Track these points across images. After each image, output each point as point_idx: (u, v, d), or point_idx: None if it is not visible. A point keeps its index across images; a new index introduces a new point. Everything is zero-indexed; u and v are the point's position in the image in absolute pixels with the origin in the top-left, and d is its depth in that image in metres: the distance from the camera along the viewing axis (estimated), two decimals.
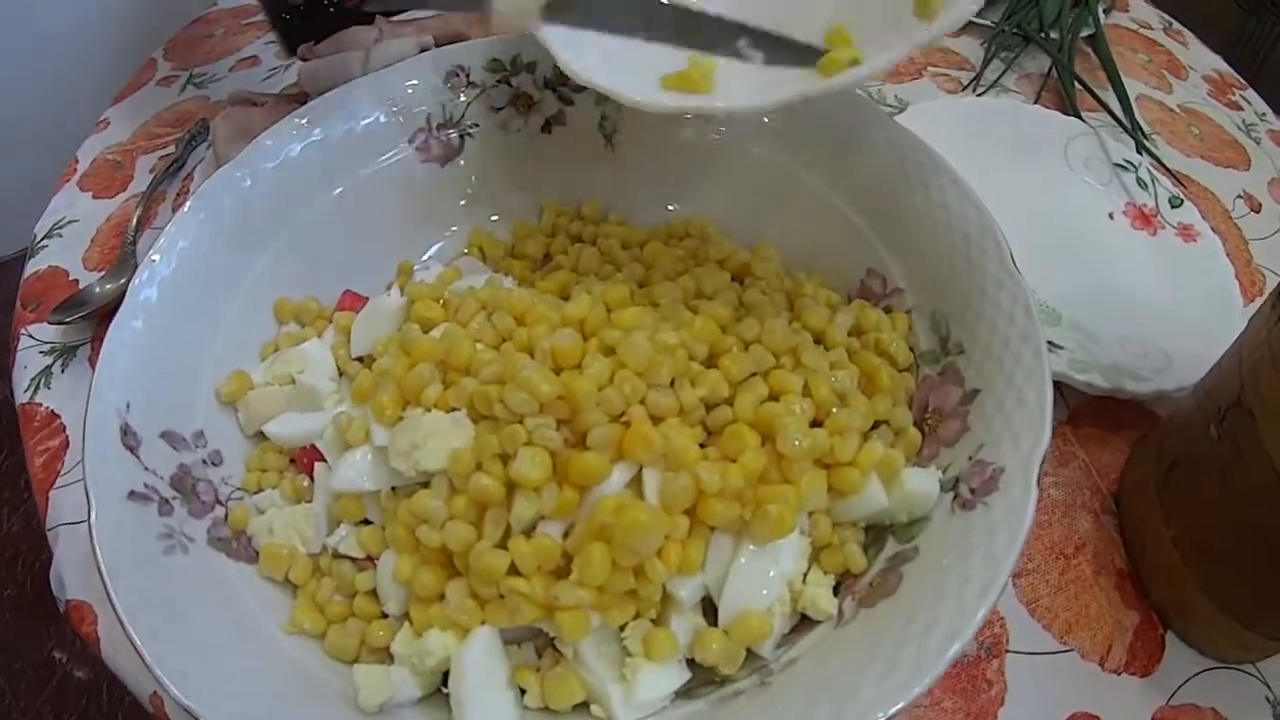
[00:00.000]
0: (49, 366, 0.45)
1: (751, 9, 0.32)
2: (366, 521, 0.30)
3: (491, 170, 0.43)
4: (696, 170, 0.42)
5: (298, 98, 0.51)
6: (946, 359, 0.33)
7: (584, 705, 0.27)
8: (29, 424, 0.43)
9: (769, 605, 0.27)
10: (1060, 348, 0.42)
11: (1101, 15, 0.64)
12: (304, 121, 0.39)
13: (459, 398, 0.28)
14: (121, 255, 0.49)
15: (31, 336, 0.47)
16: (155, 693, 0.34)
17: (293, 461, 0.33)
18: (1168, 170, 0.55)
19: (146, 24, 0.69)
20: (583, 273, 0.37)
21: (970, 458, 0.29)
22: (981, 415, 0.30)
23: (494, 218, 0.42)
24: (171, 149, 0.55)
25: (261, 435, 0.34)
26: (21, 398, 0.44)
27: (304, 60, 0.49)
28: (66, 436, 0.43)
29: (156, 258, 0.34)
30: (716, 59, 0.32)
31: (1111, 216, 0.51)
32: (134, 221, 0.50)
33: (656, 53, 0.33)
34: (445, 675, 0.27)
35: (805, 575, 0.28)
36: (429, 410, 0.29)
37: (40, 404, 0.44)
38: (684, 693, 0.27)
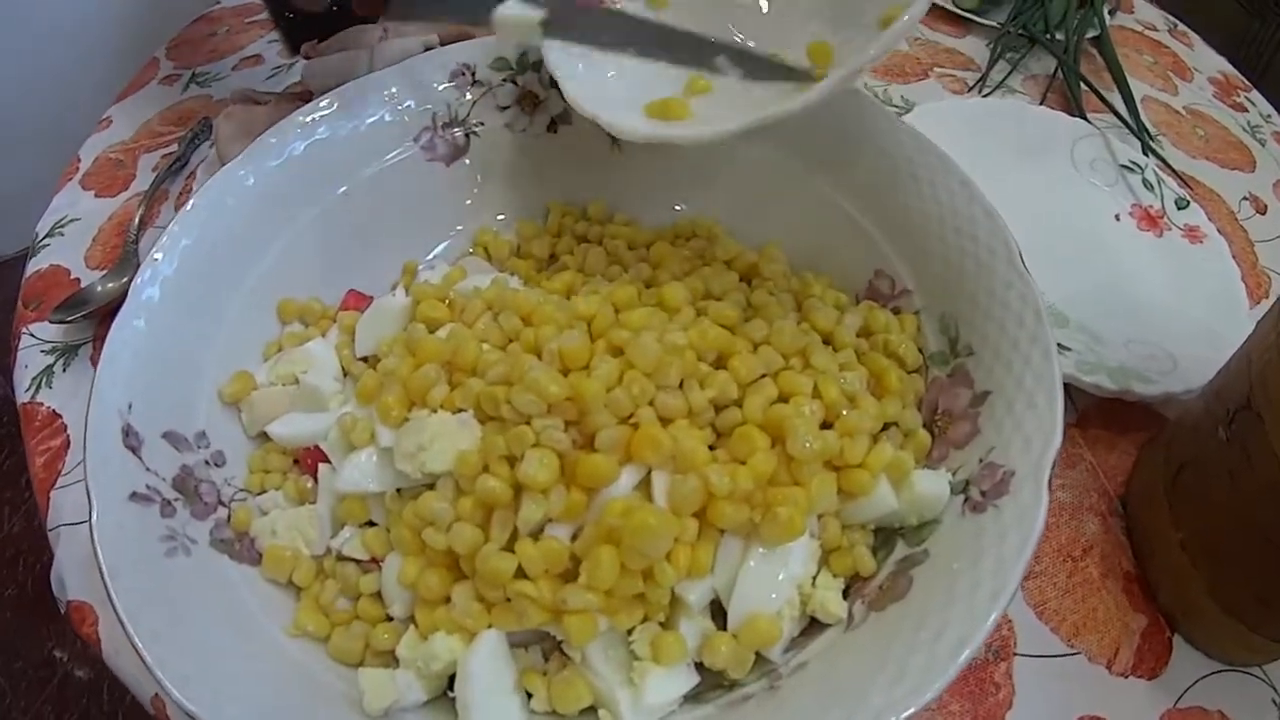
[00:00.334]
0: (50, 366, 0.45)
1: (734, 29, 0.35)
2: (371, 523, 0.30)
3: (497, 169, 0.42)
4: (702, 171, 0.41)
5: (301, 96, 0.51)
6: (956, 361, 0.33)
7: (591, 709, 0.27)
8: (30, 424, 0.43)
9: (778, 609, 0.27)
10: (1067, 350, 0.42)
11: (1107, 17, 0.64)
12: (308, 120, 0.39)
13: (465, 399, 0.28)
14: (124, 254, 0.49)
15: (33, 335, 0.46)
16: (157, 695, 0.33)
17: (296, 462, 0.33)
18: (1174, 172, 0.54)
19: (148, 22, 0.68)
20: (589, 273, 0.37)
21: (980, 460, 0.29)
22: (991, 417, 0.30)
23: (500, 217, 0.42)
24: (174, 147, 0.54)
25: (264, 436, 0.34)
26: (23, 397, 0.44)
27: (308, 59, 0.49)
28: (68, 436, 0.42)
29: (159, 256, 0.34)
30: (711, 82, 0.34)
31: (1118, 218, 0.51)
32: (136, 220, 0.50)
33: (648, 80, 0.35)
34: (451, 679, 0.27)
35: (814, 578, 0.28)
36: (435, 411, 0.28)
37: (41, 404, 0.44)
38: (692, 697, 0.27)
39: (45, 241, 0.51)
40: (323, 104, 0.39)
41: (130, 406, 0.30)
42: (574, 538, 0.27)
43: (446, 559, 0.27)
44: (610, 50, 0.35)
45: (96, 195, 0.53)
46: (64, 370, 0.45)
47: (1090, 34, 0.63)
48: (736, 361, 0.29)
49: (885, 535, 0.30)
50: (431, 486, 0.28)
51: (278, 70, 0.59)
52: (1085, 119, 0.56)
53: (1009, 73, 0.61)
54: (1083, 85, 0.59)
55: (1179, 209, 0.50)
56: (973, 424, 0.31)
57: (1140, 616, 0.36)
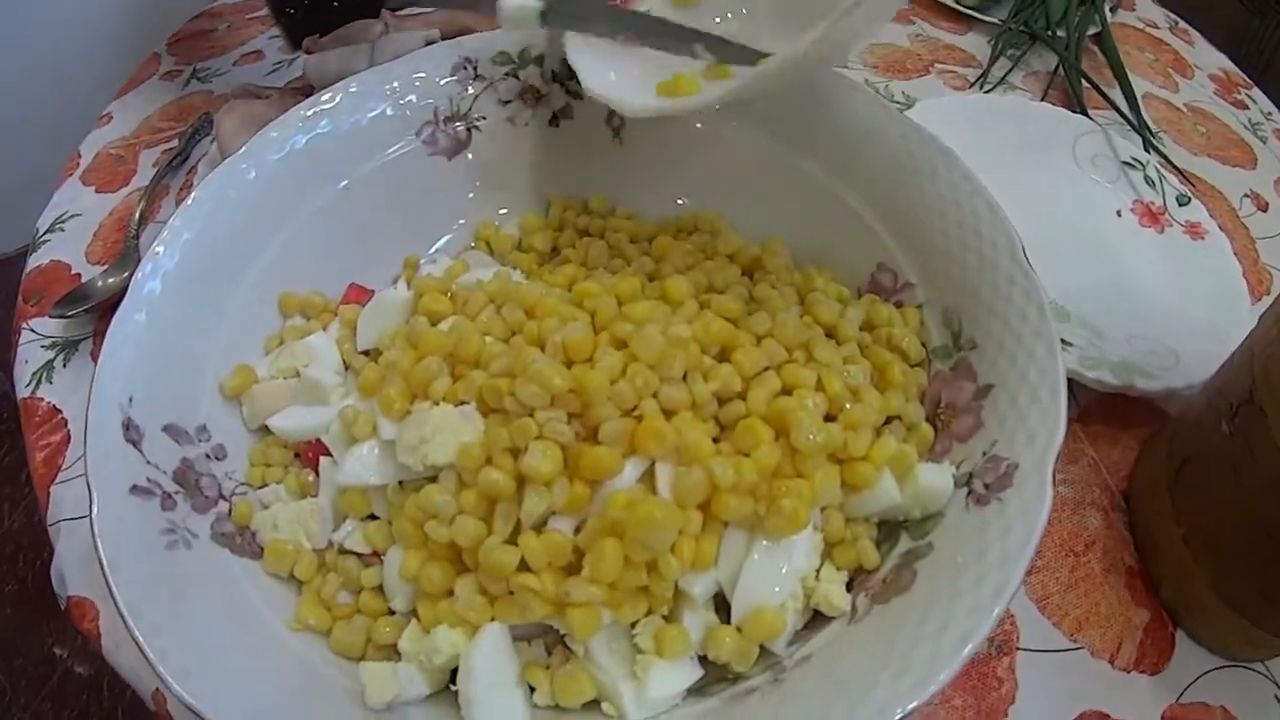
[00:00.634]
0: (50, 361, 0.45)
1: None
2: (373, 517, 0.30)
3: (499, 163, 0.42)
4: (704, 164, 0.41)
5: (303, 91, 0.51)
6: (959, 354, 0.33)
7: (594, 703, 0.27)
8: (30, 419, 0.43)
9: (782, 601, 0.27)
10: (1070, 345, 0.42)
11: (1108, 14, 0.64)
12: (309, 114, 0.38)
13: (468, 391, 0.28)
14: (125, 249, 0.48)
15: (33, 331, 0.46)
16: (158, 690, 0.33)
17: (297, 456, 0.33)
18: (1175, 168, 0.54)
19: (147, 18, 0.68)
20: (591, 266, 0.37)
21: (984, 453, 0.29)
22: (995, 411, 0.30)
23: (503, 211, 0.42)
24: (175, 143, 0.54)
25: (265, 429, 0.33)
26: (23, 393, 0.44)
27: (309, 53, 0.49)
28: (68, 431, 0.42)
29: (160, 250, 0.34)
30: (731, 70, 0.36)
31: (1119, 214, 0.51)
32: (137, 215, 0.50)
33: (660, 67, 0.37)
34: (453, 672, 0.27)
35: (818, 571, 0.28)
36: (437, 404, 0.28)
37: (42, 399, 0.44)
38: (696, 690, 0.27)
39: (46, 237, 0.51)
40: (324, 98, 0.39)
41: (131, 400, 0.30)
42: (577, 530, 0.27)
43: (449, 552, 0.27)
44: (601, 36, 0.38)
45: (97, 191, 0.53)
46: (64, 365, 0.45)
47: (1091, 31, 0.63)
48: (740, 354, 0.29)
49: (889, 528, 0.30)
50: (433, 479, 0.28)
51: (279, 65, 0.59)
52: (1087, 115, 0.56)
53: (1010, 69, 0.61)
54: (1084, 82, 0.59)
55: (1180, 205, 0.50)
56: (976, 417, 0.31)
57: (1143, 611, 0.36)
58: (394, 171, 0.40)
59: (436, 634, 0.26)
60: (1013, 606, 0.36)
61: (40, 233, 0.51)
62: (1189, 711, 0.33)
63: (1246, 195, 0.55)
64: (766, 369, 0.29)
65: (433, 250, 0.41)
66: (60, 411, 0.43)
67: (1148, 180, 0.52)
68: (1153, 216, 0.50)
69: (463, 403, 0.28)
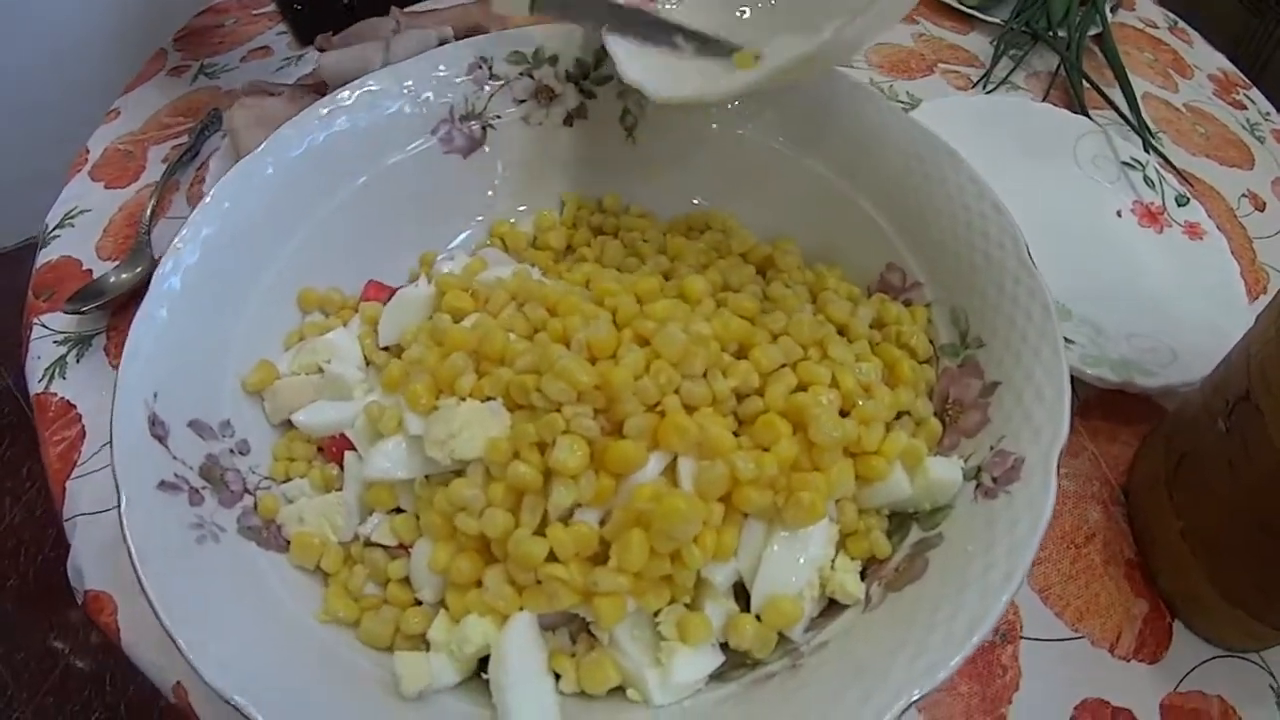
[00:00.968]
0: (63, 356, 0.45)
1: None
2: (398, 510, 0.31)
3: (514, 162, 0.43)
4: (716, 164, 0.42)
5: (314, 88, 0.51)
6: (966, 352, 0.34)
7: (619, 689, 0.27)
8: (43, 414, 0.43)
9: (799, 590, 0.27)
10: (1071, 343, 0.43)
11: (1108, 14, 0.65)
12: (326, 112, 0.39)
13: (494, 387, 0.29)
14: (136, 244, 0.49)
15: (45, 326, 0.47)
16: (179, 683, 0.34)
17: (320, 450, 0.33)
18: (1174, 169, 0.55)
19: (151, 12, 0.68)
20: (607, 265, 0.38)
21: (991, 448, 0.30)
22: (1001, 407, 0.31)
23: (521, 209, 0.43)
24: (184, 139, 0.55)
25: (288, 424, 0.34)
26: (35, 388, 0.44)
27: (322, 51, 0.49)
28: (83, 427, 0.42)
29: (181, 246, 0.34)
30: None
31: (1119, 214, 0.52)
32: (148, 211, 0.50)
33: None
34: (481, 661, 0.28)
35: (833, 561, 0.29)
36: (463, 399, 0.29)
37: (55, 394, 0.44)
38: (717, 676, 0.28)
39: (56, 232, 0.51)
40: (341, 96, 0.39)
41: (156, 396, 0.31)
42: (602, 522, 0.27)
43: (477, 544, 0.27)
44: (583, 22, 0.40)
45: (106, 186, 0.53)
46: (77, 361, 0.45)
47: (1092, 31, 0.64)
48: (758, 352, 0.30)
49: (900, 519, 0.31)
50: (459, 473, 0.29)
51: (287, 62, 0.59)
52: (1087, 116, 0.57)
53: (1012, 69, 0.62)
54: (1085, 82, 0.60)
55: (1179, 206, 0.51)
56: (983, 413, 0.31)
57: (1142, 602, 0.37)
58: (410, 169, 0.41)
59: (467, 623, 0.26)
60: (1016, 597, 0.36)
61: (50, 228, 0.51)
62: (1186, 700, 0.34)
63: (1244, 195, 0.57)
64: (783, 366, 0.30)
65: (451, 247, 0.42)
66: (74, 406, 0.43)
67: (1147, 181, 0.53)
68: (1152, 217, 0.51)
69: (489, 398, 0.29)
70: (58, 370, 0.45)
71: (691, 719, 0.27)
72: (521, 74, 0.42)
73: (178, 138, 0.55)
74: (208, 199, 0.35)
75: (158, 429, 0.30)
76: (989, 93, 0.60)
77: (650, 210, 0.43)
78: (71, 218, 0.52)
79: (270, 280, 0.37)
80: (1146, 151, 0.55)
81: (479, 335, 0.30)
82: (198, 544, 0.28)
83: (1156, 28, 0.71)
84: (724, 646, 0.28)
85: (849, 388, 0.30)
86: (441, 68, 0.41)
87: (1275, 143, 0.62)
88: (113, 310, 0.46)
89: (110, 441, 0.28)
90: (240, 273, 0.36)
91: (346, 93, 0.39)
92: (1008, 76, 0.62)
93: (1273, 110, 0.65)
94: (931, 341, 0.35)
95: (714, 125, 0.41)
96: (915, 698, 0.24)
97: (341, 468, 0.32)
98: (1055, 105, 0.58)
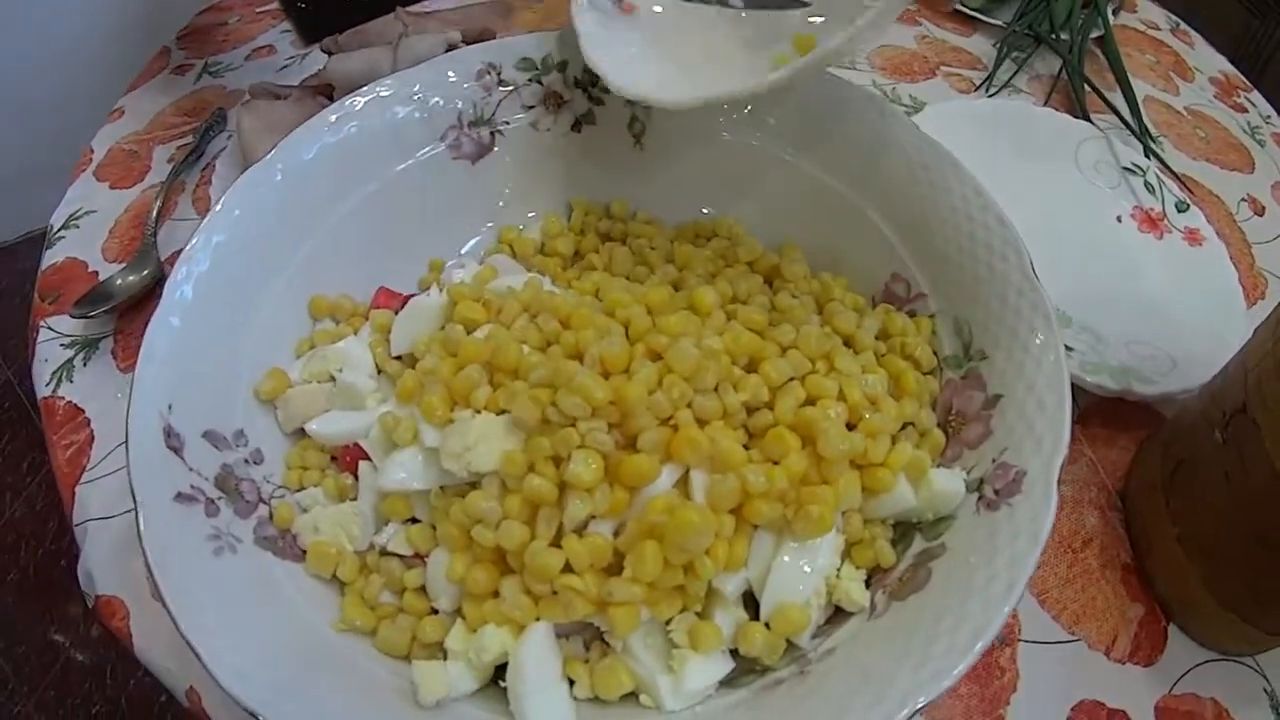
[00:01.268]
0: (70, 360, 0.45)
1: None
2: (413, 519, 0.31)
3: (523, 168, 0.43)
4: (723, 171, 0.42)
5: (321, 90, 0.51)
6: (969, 364, 0.34)
7: (631, 695, 0.28)
8: (51, 418, 0.43)
9: (807, 599, 0.28)
10: (1071, 350, 0.43)
11: (1110, 16, 0.65)
12: (335, 118, 0.39)
13: (509, 400, 0.29)
14: (143, 246, 0.49)
15: (51, 329, 0.47)
16: (191, 688, 0.34)
17: (333, 459, 0.34)
18: (1174, 175, 0.56)
19: (155, 7, 0.68)
20: (616, 273, 0.38)
21: (993, 460, 0.30)
22: (1003, 420, 0.31)
23: (530, 215, 0.43)
24: (189, 139, 0.54)
25: (300, 432, 0.34)
26: (43, 391, 0.44)
27: (328, 53, 0.49)
28: (91, 431, 0.42)
29: (192, 254, 0.34)
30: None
31: (1120, 220, 0.52)
32: (154, 212, 0.50)
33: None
34: (497, 668, 0.28)
35: (839, 569, 0.30)
36: (478, 412, 0.29)
37: (62, 397, 0.44)
38: (727, 681, 0.29)
39: (61, 233, 0.51)
40: (349, 102, 0.39)
41: (170, 407, 0.31)
42: (615, 533, 0.28)
43: (493, 555, 0.28)
44: None
45: (111, 187, 0.53)
46: (84, 365, 0.45)
47: (1094, 34, 0.64)
48: (767, 365, 0.30)
49: (903, 529, 0.32)
50: (474, 484, 0.29)
51: (291, 61, 0.59)
52: (1089, 120, 0.58)
53: (1015, 72, 0.62)
54: (1086, 87, 0.60)
55: (1179, 212, 0.52)
56: (985, 425, 0.32)
57: (1137, 606, 0.38)
58: (420, 175, 0.41)
59: (484, 633, 0.27)
60: None
61: (55, 229, 0.51)
62: (1180, 702, 0.35)
63: (1244, 200, 0.57)
64: (791, 379, 0.31)
65: (461, 253, 0.42)
66: (82, 410, 0.43)
67: (1148, 186, 0.53)
68: (1152, 222, 0.52)
69: (504, 411, 0.29)
70: (65, 374, 0.45)
71: None
72: (530, 80, 0.42)
73: (183, 137, 0.55)
74: (218, 207, 0.35)
75: (173, 440, 0.30)
76: (991, 96, 0.61)
77: (657, 216, 0.43)
78: (76, 219, 0.52)
79: (281, 287, 0.37)
80: (1147, 157, 0.56)
81: (493, 347, 0.31)
82: (215, 555, 0.29)
83: (1158, 29, 0.72)
84: (733, 653, 0.29)
85: (856, 400, 0.30)
86: (450, 74, 0.41)
87: (1275, 146, 0.62)
88: (119, 314, 0.46)
89: (126, 454, 0.28)
90: (251, 280, 0.36)
91: (355, 99, 0.39)
92: (1010, 80, 0.62)
93: (1273, 114, 0.65)
94: (935, 353, 0.35)
95: (727, 135, 0.41)
96: (920, 705, 0.25)
97: (355, 477, 0.33)
98: (1057, 109, 0.59)
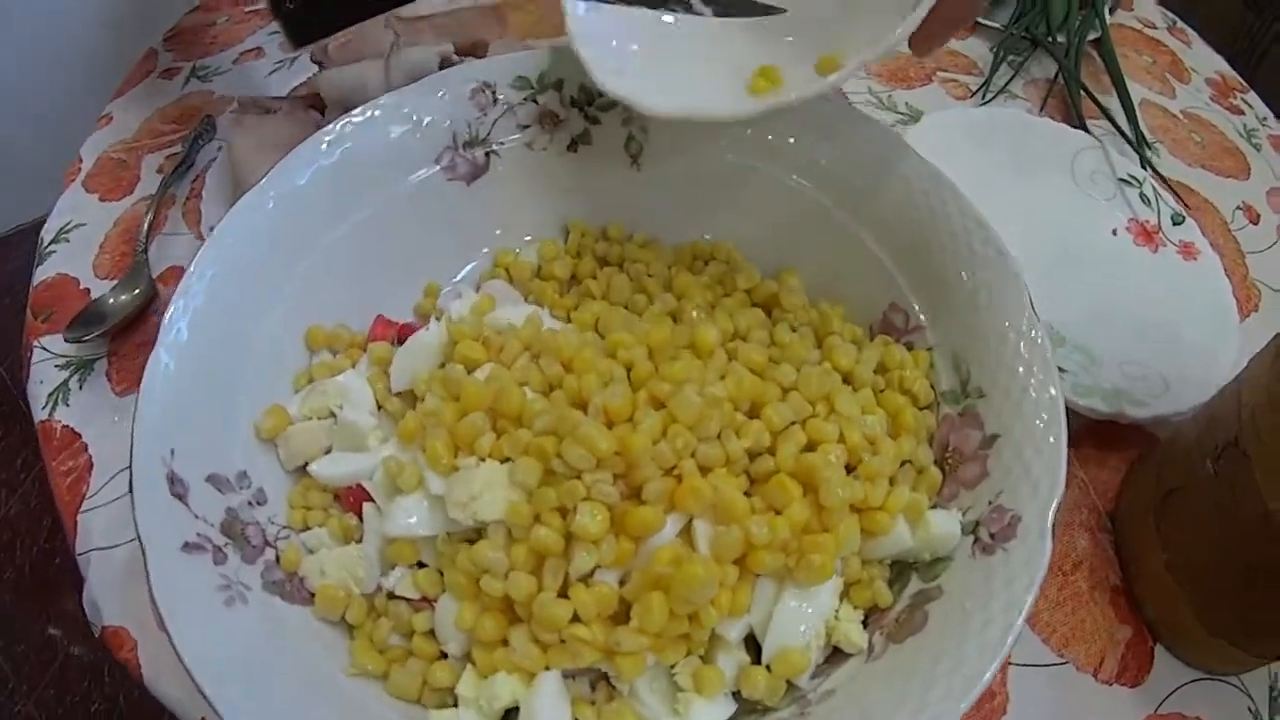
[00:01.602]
0: (65, 381, 0.45)
1: None
2: (420, 564, 0.31)
3: (518, 189, 0.42)
4: (721, 194, 0.42)
5: (310, 100, 0.50)
6: (967, 401, 0.34)
7: None
8: (49, 443, 0.43)
9: (807, 642, 0.29)
10: (1063, 371, 0.43)
11: (1107, 15, 0.64)
12: (326, 144, 0.38)
13: (513, 448, 0.29)
14: (134, 263, 0.48)
15: (45, 349, 0.46)
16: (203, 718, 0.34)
17: (337, 498, 0.34)
18: (1169, 186, 0.56)
19: (139, 6, 0.66)
20: (614, 302, 0.38)
21: (989, 503, 0.31)
22: (1000, 461, 0.32)
23: (527, 238, 0.43)
24: (178, 147, 0.53)
25: (302, 469, 0.34)
26: (40, 415, 0.44)
27: (318, 63, 0.48)
28: (89, 456, 0.42)
29: (188, 289, 0.34)
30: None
31: (1115, 233, 0.52)
32: (145, 227, 0.49)
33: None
34: (507, 713, 0.29)
35: (837, 611, 0.30)
36: (483, 460, 0.29)
37: (59, 421, 0.43)
38: None
39: (52, 248, 0.50)
40: (340, 125, 0.39)
41: (173, 452, 0.30)
42: (621, 582, 0.28)
43: (501, 603, 0.28)
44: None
45: (101, 199, 0.52)
46: (80, 388, 0.45)
47: (1091, 36, 0.63)
48: (769, 410, 0.30)
49: (899, 568, 0.32)
50: (480, 530, 0.29)
51: (280, 65, 0.58)
52: (1084, 126, 0.57)
53: (1011, 77, 0.62)
54: (1082, 92, 0.60)
55: (1175, 225, 0.52)
56: (982, 466, 0.32)
57: (1125, 627, 0.39)
58: (415, 198, 0.40)
59: (496, 681, 0.28)
60: None
61: (45, 243, 0.50)
62: None
63: (1239, 207, 0.57)
64: (793, 424, 0.31)
65: (458, 279, 0.42)
66: (79, 435, 0.43)
67: (1144, 198, 0.53)
68: (1147, 235, 0.52)
69: (507, 458, 0.29)
70: (60, 397, 0.45)
71: None
72: (525, 99, 0.42)
73: (171, 146, 0.54)
74: (209, 242, 0.35)
75: (177, 487, 0.30)
76: (987, 102, 0.60)
77: (654, 236, 0.43)
78: (67, 232, 0.51)
79: (277, 318, 0.36)
80: (1143, 168, 0.56)
81: (495, 391, 0.31)
82: (227, 606, 0.29)
83: (1155, 28, 0.71)
84: (735, 694, 0.30)
85: (855, 443, 0.31)
86: (443, 93, 0.40)
87: (1271, 150, 0.62)
88: (112, 335, 0.46)
89: (131, 503, 0.28)
90: (247, 312, 0.35)
91: (348, 121, 0.39)
92: (1006, 85, 0.61)
93: (1270, 115, 0.65)
94: (933, 386, 0.36)
95: (723, 156, 0.41)
96: None
97: (359, 517, 0.33)
98: (1053, 116, 0.59)
